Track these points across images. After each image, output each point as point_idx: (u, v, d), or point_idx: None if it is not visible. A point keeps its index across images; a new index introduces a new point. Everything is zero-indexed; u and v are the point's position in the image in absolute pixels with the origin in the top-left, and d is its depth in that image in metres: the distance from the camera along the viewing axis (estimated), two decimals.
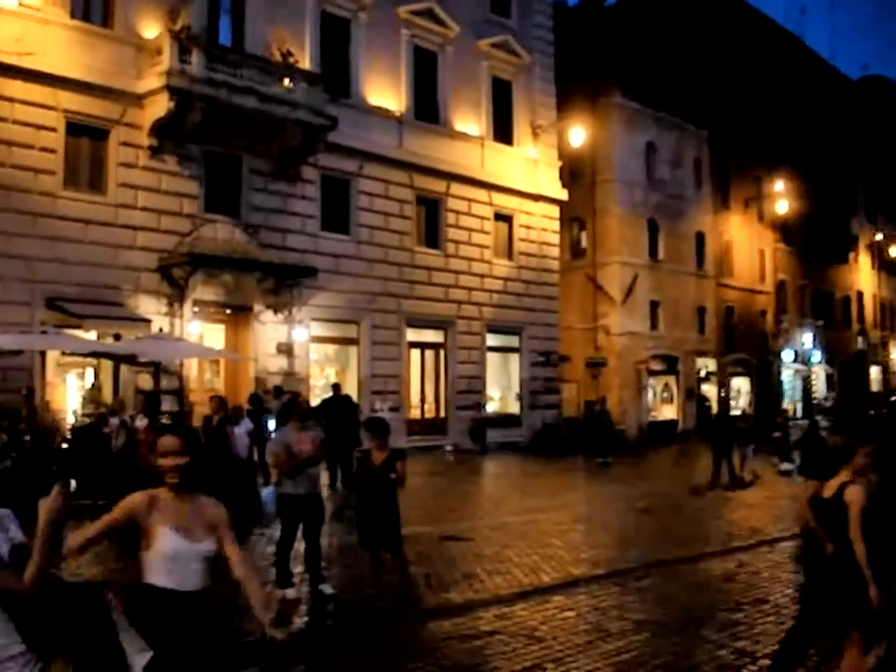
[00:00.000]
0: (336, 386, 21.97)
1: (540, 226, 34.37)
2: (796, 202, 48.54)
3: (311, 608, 9.64)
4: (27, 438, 16.33)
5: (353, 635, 8.81)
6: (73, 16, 22.47)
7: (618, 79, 39.18)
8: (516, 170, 33.42)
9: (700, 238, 44.27)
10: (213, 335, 25.30)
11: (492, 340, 32.73)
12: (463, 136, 31.61)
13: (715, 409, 42.99)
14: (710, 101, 42.78)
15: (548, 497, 19.59)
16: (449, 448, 28.68)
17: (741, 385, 48.12)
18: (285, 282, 25.59)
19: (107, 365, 22.59)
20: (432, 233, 30.82)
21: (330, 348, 28.90)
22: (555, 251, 35.25)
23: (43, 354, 21.10)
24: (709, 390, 44.95)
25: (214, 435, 17.12)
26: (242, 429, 16.87)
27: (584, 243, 40.73)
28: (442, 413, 30.78)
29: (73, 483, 15.95)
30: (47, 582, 3.76)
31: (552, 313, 34.71)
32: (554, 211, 35.02)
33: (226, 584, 10.15)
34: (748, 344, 46.90)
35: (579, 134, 33.07)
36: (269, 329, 25.70)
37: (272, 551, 12.01)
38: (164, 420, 20.61)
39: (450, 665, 7.81)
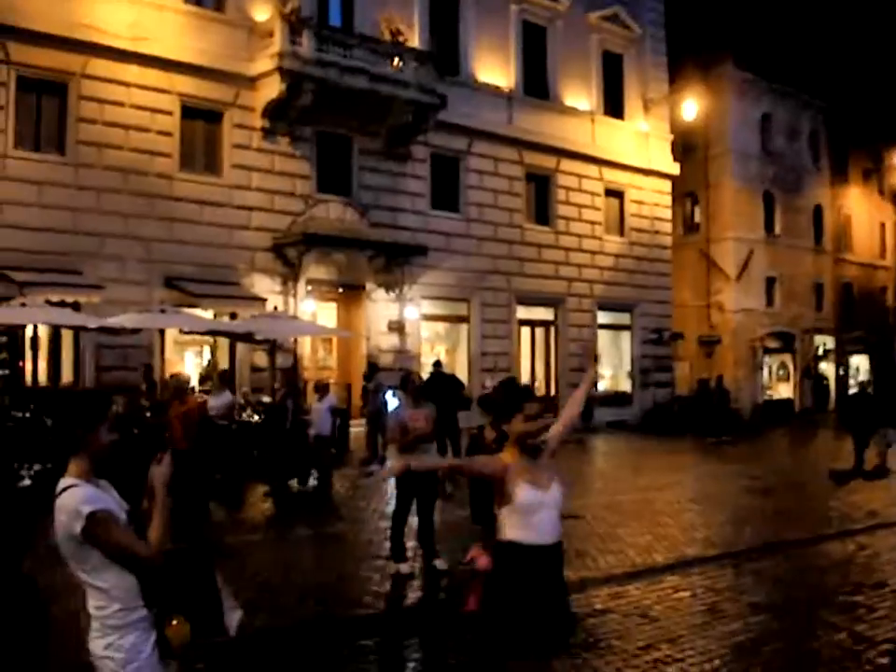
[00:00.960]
0: (438, 363, 22.01)
1: (652, 201, 33.91)
2: None
3: (424, 583, 9.73)
4: (148, 413, 16.78)
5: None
6: (186, 1, 22.92)
7: (731, 50, 38.28)
8: (627, 144, 33.00)
9: (818, 212, 43.16)
10: (325, 313, 25.66)
11: (603, 317, 32.45)
12: (573, 111, 31.31)
13: (834, 388, 42.11)
14: (827, 70, 41.50)
15: (660, 475, 19.36)
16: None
17: (860, 363, 46.83)
18: (396, 260, 25.79)
19: (223, 343, 23.13)
20: (542, 210, 30.66)
21: (441, 326, 29.04)
22: (668, 226, 34.75)
23: (162, 332, 21.68)
24: (827, 369, 43.90)
25: (274, 409, 17.55)
26: (324, 405, 16.69)
27: (697, 217, 40.09)
28: (553, 391, 30.65)
29: None
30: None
31: (664, 289, 34.24)
32: (666, 185, 34.50)
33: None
34: (867, 321, 45.53)
35: (691, 107, 32.47)
36: (380, 308, 25.94)
37: (385, 526, 12.17)
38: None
39: None
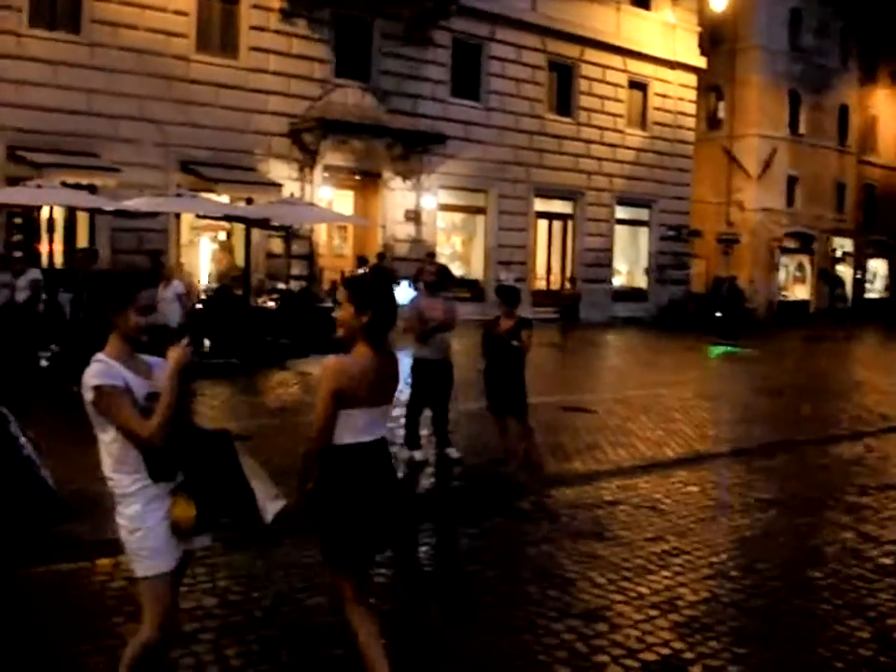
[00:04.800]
0: (381, 255, 22.66)
1: (677, 95, 33.33)
2: None
3: (437, 471, 9.83)
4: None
5: (478, 498, 8.96)
6: None
7: None
8: (653, 35, 32.26)
9: (843, 111, 42.38)
10: (342, 201, 25.52)
11: (621, 212, 32.25)
12: None
13: (851, 291, 41.78)
14: None
15: (673, 372, 19.39)
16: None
17: (878, 267, 46.50)
18: (414, 148, 25.52)
19: (239, 228, 23.00)
20: (564, 101, 30.20)
21: (458, 217, 28.89)
22: (691, 122, 34.24)
23: (178, 216, 21.58)
24: (844, 271, 43.62)
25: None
26: (169, 293, 14.94)
27: (721, 113, 39.41)
28: (568, 285, 30.55)
29: (206, 342, 16.46)
30: (178, 426, 3.98)
31: (684, 186, 33.90)
32: (692, 79, 33.88)
33: None
34: (888, 225, 45.04)
35: None
36: (397, 196, 25.77)
37: (398, 414, 12.25)
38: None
39: (573, 531, 7.88)
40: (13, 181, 18.87)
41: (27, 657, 5.20)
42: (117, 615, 5.65)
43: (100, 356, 3.97)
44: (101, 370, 3.90)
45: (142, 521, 3.98)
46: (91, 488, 7.48)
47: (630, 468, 10.27)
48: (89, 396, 3.87)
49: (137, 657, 4.14)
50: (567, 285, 28.44)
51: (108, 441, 3.96)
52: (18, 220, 20.33)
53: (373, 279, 4.74)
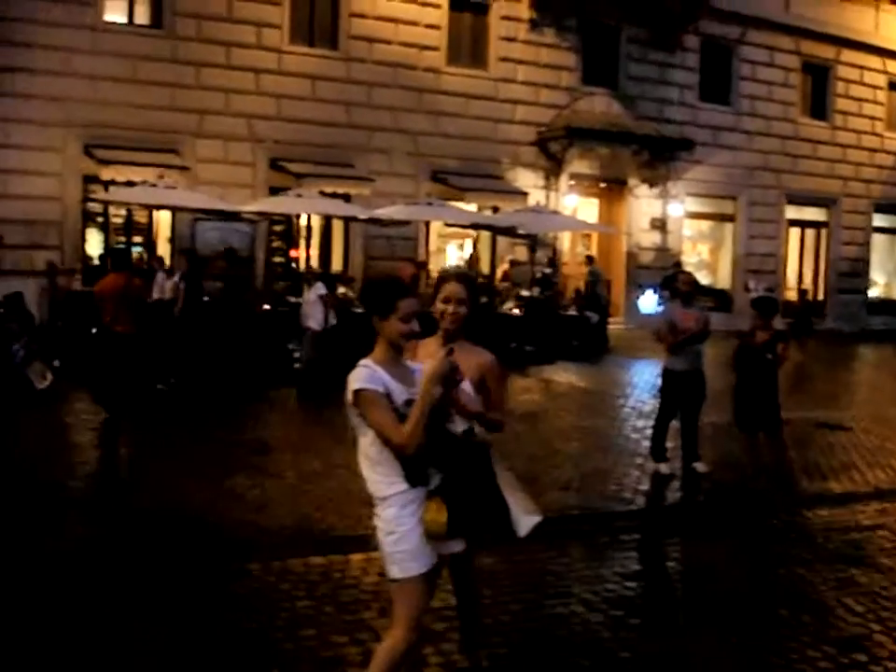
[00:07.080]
0: (590, 259, 23.04)
1: None
2: None
3: (684, 484, 9.67)
4: None
5: (727, 514, 8.76)
6: None
7: None
8: None
9: None
10: (587, 209, 25.47)
11: (879, 220, 30.66)
12: None
13: None
14: None
15: None
16: None
17: None
18: (661, 155, 25.20)
19: (485, 236, 23.41)
20: (819, 104, 29.01)
21: (705, 224, 28.29)
22: None
23: (427, 225, 22.16)
24: None
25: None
26: (312, 295, 14.62)
27: None
28: (821, 296, 29.40)
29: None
30: (437, 433, 4.09)
31: None
32: None
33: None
34: None
35: None
36: (643, 204, 25.52)
37: (643, 425, 12.15)
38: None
39: (829, 554, 7.58)
40: (274, 190, 19.97)
41: (283, 646, 5.48)
42: (369, 609, 5.88)
43: (366, 360, 4.12)
44: (365, 374, 4.04)
45: (397, 524, 4.08)
46: (347, 485, 7.86)
47: (889, 490, 9.78)
48: (349, 398, 4.03)
49: (390, 659, 4.18)
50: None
51: (367, 443, 4.10)
52: (278, 228, 21.46)
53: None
